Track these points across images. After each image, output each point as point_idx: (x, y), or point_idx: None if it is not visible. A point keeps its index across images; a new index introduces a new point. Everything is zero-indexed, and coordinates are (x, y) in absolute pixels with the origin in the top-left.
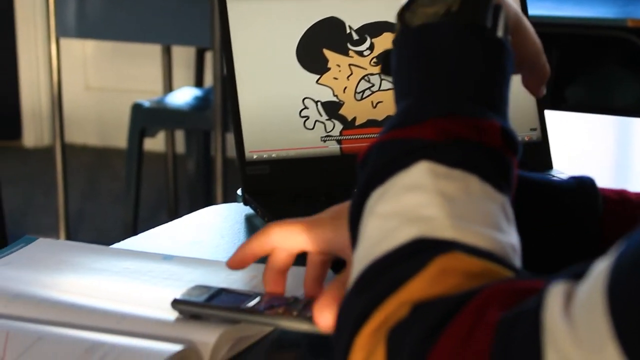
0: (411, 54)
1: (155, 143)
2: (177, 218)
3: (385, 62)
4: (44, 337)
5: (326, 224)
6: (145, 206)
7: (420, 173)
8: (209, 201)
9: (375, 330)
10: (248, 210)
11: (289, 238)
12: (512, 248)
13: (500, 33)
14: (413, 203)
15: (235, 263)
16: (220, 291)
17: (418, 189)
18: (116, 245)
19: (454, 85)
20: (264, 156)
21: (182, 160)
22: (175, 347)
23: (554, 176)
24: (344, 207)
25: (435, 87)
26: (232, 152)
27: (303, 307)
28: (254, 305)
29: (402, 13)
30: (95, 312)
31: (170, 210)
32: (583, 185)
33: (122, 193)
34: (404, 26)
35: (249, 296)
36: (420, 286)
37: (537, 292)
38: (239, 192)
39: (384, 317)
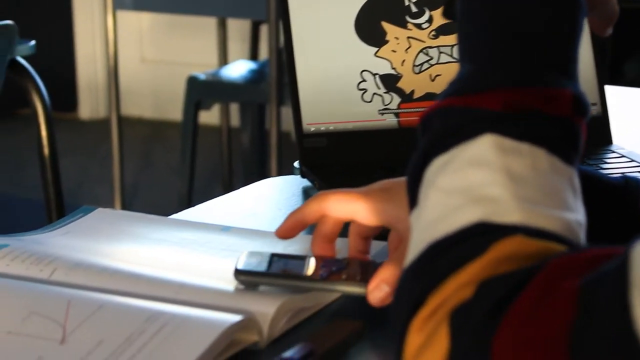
0: (479, 5)
1: (210, 116)
2: (231, 191)
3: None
4: (104, 305)
5: (377, 195)
6: (200, 179)
7: (486, 147)
8: (263, 174)
9: (432, 314)
10: (305, 182)
11: (340, 206)
12: (579, 224)
13: None
14: (478, 180)
15: (286, 231)
16: (273, 256)
17: (483, 165)
18: (173, 217)
19: (525, 51)
20: (322, 129)
21: (236, 134)
22: (235, 318)
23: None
24: (395, 181)
25: (505, 53)
26: (286, 125)
27: (362, 270)
28: (316, 272)
29: None
30: (154, 281)
31: (225, 183)
32: (629, 184)
33: (177, 165)
34: None
35: (302, 259)
36: (480, 269)
37: (613, 257)
38: (296, 164)
39: (440, 300)
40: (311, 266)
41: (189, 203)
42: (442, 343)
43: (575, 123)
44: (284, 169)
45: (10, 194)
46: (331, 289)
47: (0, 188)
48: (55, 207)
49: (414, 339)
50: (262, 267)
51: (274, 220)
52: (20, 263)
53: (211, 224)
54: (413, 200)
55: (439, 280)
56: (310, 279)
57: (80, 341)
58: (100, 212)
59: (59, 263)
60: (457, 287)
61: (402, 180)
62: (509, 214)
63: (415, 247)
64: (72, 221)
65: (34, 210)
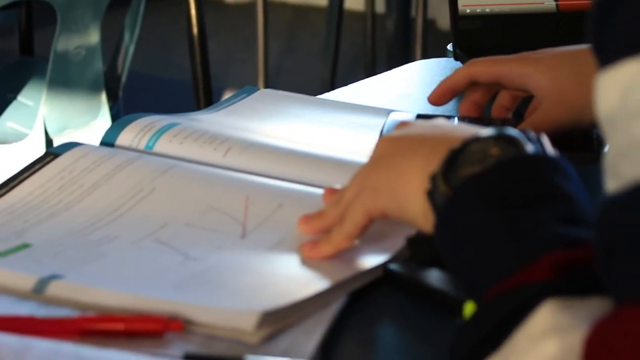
0: (477, 206)
1: (355, 2)
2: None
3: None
4: (284, 204)
5: (523, 60)
6: (343, 65)
7: (548, 315)
8: (406, 62)
9: None
10: (457, 65)
11: (486, 69)
12: None
13: (550, 152)
14: (556, 349)
15: (436, 98)
16: (418, 117)
17: (556, 332)
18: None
19: (538, 225)
20: (477, 11)
21: (381, 20)
22: None
23: None
24: (544, 50)
25: (521, 232)
26: (431, 13)
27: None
28: None
29: (442, 179)
30: (330, 164)
31: (367, 69)
32: None
33: (320, 51)
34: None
35: (447, 119)
36: None
37: None
38: (449, 47)
39: None
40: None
41: (332, 88)
42: None
43: None
44: (428, 57)
45: (157, 75)
46: None
47: (148, 69)
48: (203, 88)
49: None
50: None
51: (426, 101)
52: (192, 142)
53: (378, 107)
54: None
55: None
56: None
57: (259, 239)
58: (263, 92)
59: (232, 142)
60: None
61: (552, 49)
62: None
63: None
64: (236, 101)
65: (180, 92)
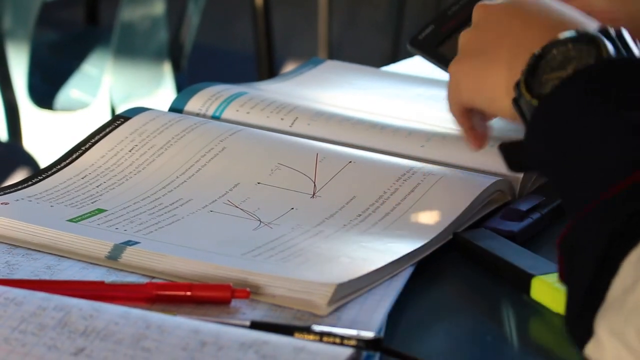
0: (578, 109)
1: None
2: None
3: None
4: (356, 161)
5: None
6: (405, 38)
7: None
8: None
9: None
10: None
11: None
12: None
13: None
14: None
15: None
16: None
17: None
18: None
19: None
20: None
21: None
22: (491, 179)
23: None
24: None
25: (632, 128)
26: None
27: None
28: None
29: (526, 88)
30: (396, 131)
31: None
32: None
33: (382, 23)
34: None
35: None
36: None
37: None
38: None
39: None
40: None
41: (393, 61)
42: None
43: None
44: None
45: (219, 46)
46: None
47: (210, 40)
48: (266, 59)
49: None
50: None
51: None
52: (259, 111)
53: (443, 80)
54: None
55: None
56: None
57: (330, 197)
58: (329, 64)
59: (300, 112)
60: None
61: None
62: None
63: None
64: (302, 72)
65: (242, 63)
